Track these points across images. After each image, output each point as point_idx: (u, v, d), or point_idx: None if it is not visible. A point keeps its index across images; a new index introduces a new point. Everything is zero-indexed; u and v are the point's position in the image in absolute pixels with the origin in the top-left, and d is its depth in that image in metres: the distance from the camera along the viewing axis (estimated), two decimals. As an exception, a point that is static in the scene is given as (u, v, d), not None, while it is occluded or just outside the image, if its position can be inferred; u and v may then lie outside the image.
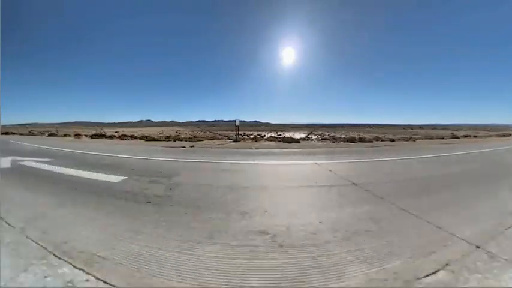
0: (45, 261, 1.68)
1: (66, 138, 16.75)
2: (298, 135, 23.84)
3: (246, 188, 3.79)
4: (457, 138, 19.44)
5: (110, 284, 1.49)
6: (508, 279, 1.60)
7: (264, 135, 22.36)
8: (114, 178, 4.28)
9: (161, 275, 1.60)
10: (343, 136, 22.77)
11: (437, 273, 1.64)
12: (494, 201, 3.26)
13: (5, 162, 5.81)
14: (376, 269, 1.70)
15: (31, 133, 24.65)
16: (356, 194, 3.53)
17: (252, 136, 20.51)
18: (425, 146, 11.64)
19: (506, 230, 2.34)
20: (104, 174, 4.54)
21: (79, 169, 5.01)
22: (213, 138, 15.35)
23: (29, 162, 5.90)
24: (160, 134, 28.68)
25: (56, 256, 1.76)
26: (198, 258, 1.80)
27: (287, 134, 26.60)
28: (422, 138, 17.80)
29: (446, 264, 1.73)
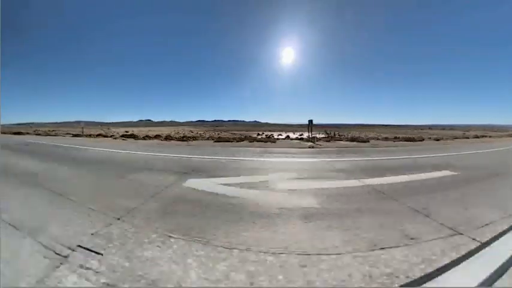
0: None
1: (105, 139, 15.27)
2: (319, 135, 24.40)
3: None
4: (478, 137, 20.12)
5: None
6: None
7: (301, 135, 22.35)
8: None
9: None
10: (384, 136, 22.54)
11: None
12: None
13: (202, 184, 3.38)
14: None
15: (47, 134, 23.63)
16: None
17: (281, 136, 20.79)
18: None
19: None
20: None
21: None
22: (242, 139, 15.50)
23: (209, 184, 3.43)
24: (176, 133, 29.22)
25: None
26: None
27: (305, 135, 27.17)
28: (449, 138, 18.20)
29: None
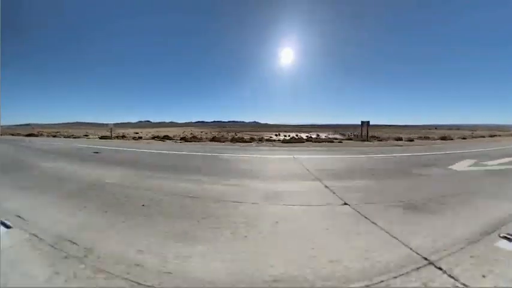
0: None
1: (144, 141, 14.59)
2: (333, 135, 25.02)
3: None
4: (492, 136, 21.17)
5: None
6: None
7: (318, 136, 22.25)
8: None
9: None
10: (410, 136, 22.29)
11: None
12: None
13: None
14: None
15: (64, 135, 22.19)
16: None
17: (305, 137, 19.33)
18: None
19: None
20: None
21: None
22: (261, 139, 14.83)
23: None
24: (186, 134, 28.97)
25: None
26: None
27: (314, 135, 27.64)
28: (467, 137, 18.87)
29: None
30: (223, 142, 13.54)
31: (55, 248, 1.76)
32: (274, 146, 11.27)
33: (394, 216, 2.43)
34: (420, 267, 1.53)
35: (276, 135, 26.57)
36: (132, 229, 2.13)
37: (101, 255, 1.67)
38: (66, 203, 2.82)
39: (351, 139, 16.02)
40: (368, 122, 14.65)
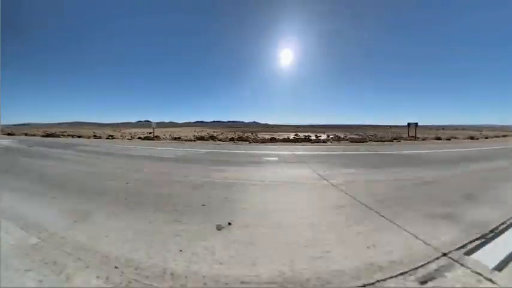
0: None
1: (188, 142, 14.45)
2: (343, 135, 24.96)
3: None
4: (505, 136, 23.38)
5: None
6: None
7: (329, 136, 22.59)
8: None
9: None
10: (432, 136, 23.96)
11: None
12: None
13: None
14: None
15: (84, 136, 21.98)
16: None
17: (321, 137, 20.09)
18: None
19: None
20: None
21: None
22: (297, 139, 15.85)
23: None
24: (205, 135, 28.34)
25: None
26: None
27: (322, 137, 27.31)
28: (481, 137, 19.92)
29: None
30: (275, 142, 14.47)
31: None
32: (346, 145, 12.77)
33: None
34: None
35: (296, 135, 26.11)
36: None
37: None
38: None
39: (389, 140, 15.80)
40: (416, 123, 17.06)
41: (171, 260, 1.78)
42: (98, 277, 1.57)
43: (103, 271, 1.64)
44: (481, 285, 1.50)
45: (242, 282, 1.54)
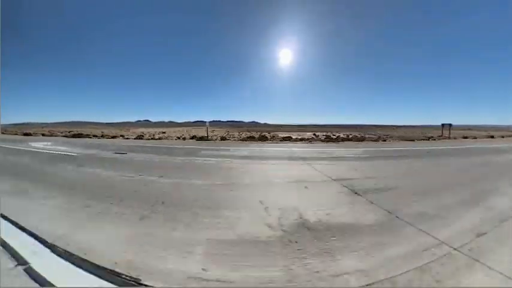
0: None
1: (233, 142, 14.57)
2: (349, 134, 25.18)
3: None
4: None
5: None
6: None
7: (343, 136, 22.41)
8: None
9: None
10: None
11: None
12: None
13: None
14: None
15: (109, 136, 20.55)
16: None
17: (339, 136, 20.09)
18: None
19: None
20: None
21: None
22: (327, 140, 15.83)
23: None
24: (223, 135, 27.85)
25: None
26: None
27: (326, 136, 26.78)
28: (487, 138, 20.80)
29: None
30: (295, 141, 14.86)
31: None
32: (383, 143, 13.80)
33: None
34: None
35: (315, 134, 25.51)
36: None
37: None
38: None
39: (424, 139, 16.85)
40: (450, 124, 20.05)
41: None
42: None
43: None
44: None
45: None
